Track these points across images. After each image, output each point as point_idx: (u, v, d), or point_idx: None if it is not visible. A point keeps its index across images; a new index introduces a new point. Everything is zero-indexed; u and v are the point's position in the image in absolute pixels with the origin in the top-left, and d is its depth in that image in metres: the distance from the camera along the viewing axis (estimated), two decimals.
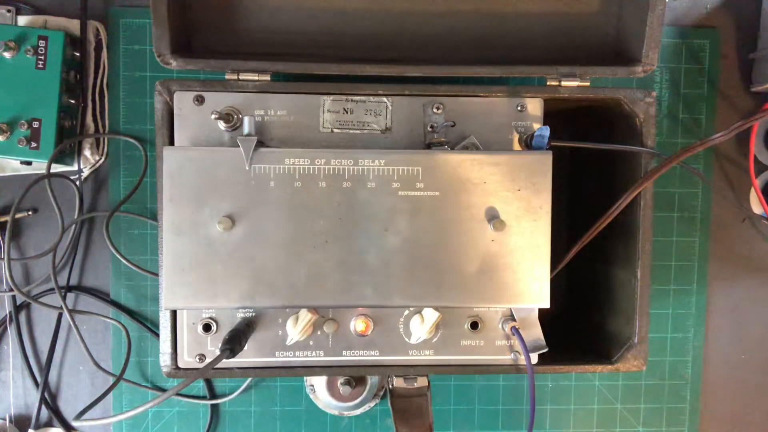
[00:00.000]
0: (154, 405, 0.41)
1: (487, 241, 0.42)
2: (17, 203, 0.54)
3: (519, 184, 0.42)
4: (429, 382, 0.47)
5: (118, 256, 0.57)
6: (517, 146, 0.45)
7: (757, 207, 0.61)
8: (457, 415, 0.61)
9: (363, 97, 0.45)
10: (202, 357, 0.45)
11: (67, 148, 0.54)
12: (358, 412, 0.60)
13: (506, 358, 0.46)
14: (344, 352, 0.46)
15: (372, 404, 0.59)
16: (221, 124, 0.43)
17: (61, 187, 0.56)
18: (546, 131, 0.43)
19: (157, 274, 0.55)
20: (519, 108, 0.45)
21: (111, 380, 0.57)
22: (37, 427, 0.58)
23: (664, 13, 0.45)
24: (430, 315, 0.44)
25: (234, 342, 0.42)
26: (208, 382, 0.59)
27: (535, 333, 0.45)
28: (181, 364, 0.45)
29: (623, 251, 0.49)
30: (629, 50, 0.48)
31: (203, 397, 0.60)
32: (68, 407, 0.59)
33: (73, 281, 0.58)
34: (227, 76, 0.45)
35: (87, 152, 0.56)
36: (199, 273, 0.41)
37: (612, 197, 0.46)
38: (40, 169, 0.55)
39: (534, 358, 0.45)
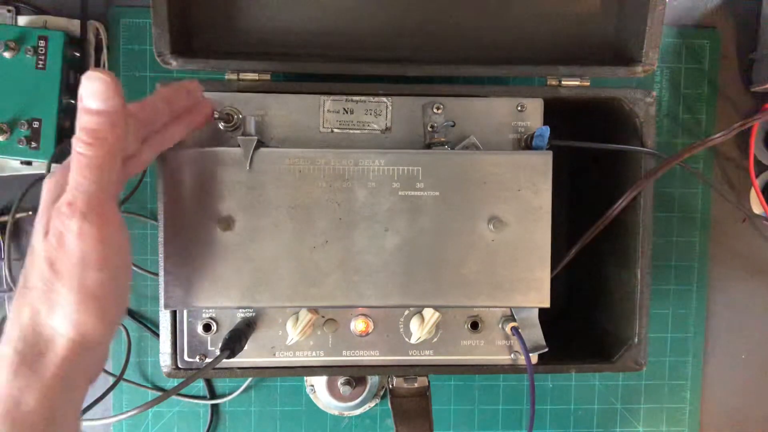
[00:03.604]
0: (154, 405, 0.41)
1: (487, 241, 0.42)
2: (17, 203, 0.54)
3: (519, 184, 0.42)
4: (429, 382, 0.47)
5: None
6: (517, 146, 0.45)
7: (757, 207, 0.60)
8: (457, 415, 0.61)
9: (363, 97, 0.45)
10: (202, 357, 0.45)
11: (67, 148, 0.54)
12: (358, 412, 0.60)
13: (506, 358, 0.46)
14: (344, 352, 0.46)
15: (372, 404, 0.59)
16: (221, 124, 0.43)
17: None
18: (546, 131, 0.43)
19: (157, 274, 0.55)
20: (519, 108, 0.45)
21: (111, 380, 0.57)
22: None
23: (664, 13, 0.45)
24: (430, 315, 0.44)
25: (234, 342, 0.42)
26: (208, 382, 0.59)
27: (535, 333, 0.45)
28: (181, 364, 0.45)
29: (623, 251, 0.49)
30: (629, 50, 0.48)
31: (203, 397, 0.59)
32: None
33: None
34: (227, 76, 0.45)
35: None
36: (199, 273, 0.41)
37: (612, 197, 0.46)
38: (40, 169, 0.55)
39: (534, 358, 0.45)
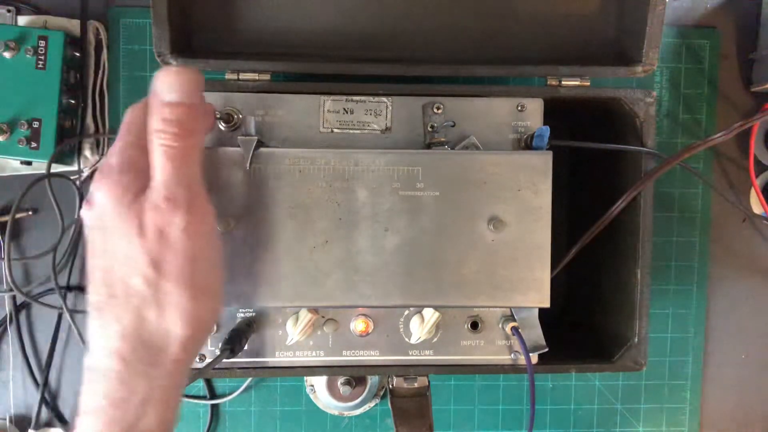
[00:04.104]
0: None
1: (487, 241, 0.42)
2: (17, 203, 0.54)
3: (519, 184, 0.42)
4: (429, 382, 0.47)
5: None
6: (517, 146, 0.45)
7: (757, 207, 0.60)
8: (457, 415, 0.61)
9: (363, 97, 0.45)
10: (202, 357, 0.45)
11: (67, 148, 0.54)
12: (358, 412, 0.60)
13: (506, 358, 0.46)
14: (344, 352, 0.46)
15: (372, 404, 0.59)
16: (221, 124, 0.43)
17: (61, 187, 0.56)
18: (546, 131, 0.43)
19: None
20: (519, 108, 0.45)
21: None
22: (37, 427, 0.58)
23: (664, 13, 0.45)
24: (430, 315, 0.44)
25: (234, 342, 0.42)
26: (208, 382, 0.59)
27: (535, 333, 0.45)
28: None
29: (623, 251, 0.49)
30: (629, 50, 0.48)
31: (203, 397, 0.59)
32: (68, 407, 0.59)
33: (73, 281, 0.58)
34: (227, 76, 0.45)
35: (87, 152, 0.56)
36: None
37: (612, 197, 0.46)
38: (40, 169, 0.55)
39: (534, 358, 0.45)
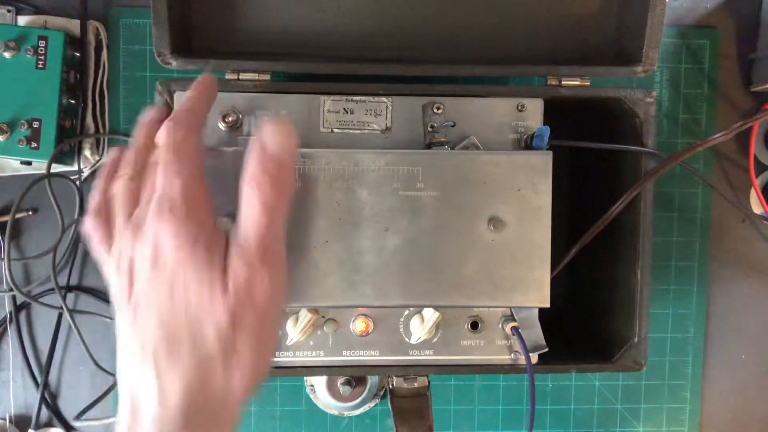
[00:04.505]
0: None
1: (487, 241, 0.42)
2: (17, 203, 0.54)
3: (519, 184, 0.42)
4: (429, 382, 0.47)
5: None
6: (517, 146, 0.45)
7: (757, 207, 0.60)
8: (457, 415, 0.61)
9: (363, 97, 0.45)
10: None
11: (67, 148, 0.54)
12: (358, 412, 0.60)
13: (506, 358, 0.46)
14: (344, 352, 0.46)
15: (372, 404, 0.59)
16: (221, 124, 0.43)
17: (61, 187, 0.56)
18: (546, 131, 0.43)
19: None
20: (519, 108, 0.45)
21: (111, 380, 0.57)
22: (37, 427, 0.58)
23: (664, 13, 0.45)
24: (430, 315, 0.44)
25: None
26: None
27: (535, 333, 0.45)
28: None
29: (623, 251, 0.49)
30: (629, 50, 0.48)
31: None
32: (68, 407, 0.59)
33: (73, 281, 0.58)
34: (227, 76, 0.45)
35: (87, 152, 0.56)
36: None
37: (612, 197, 0.46)
38: (40, 169, 0.55)
39: (534, 358, 0.45)
